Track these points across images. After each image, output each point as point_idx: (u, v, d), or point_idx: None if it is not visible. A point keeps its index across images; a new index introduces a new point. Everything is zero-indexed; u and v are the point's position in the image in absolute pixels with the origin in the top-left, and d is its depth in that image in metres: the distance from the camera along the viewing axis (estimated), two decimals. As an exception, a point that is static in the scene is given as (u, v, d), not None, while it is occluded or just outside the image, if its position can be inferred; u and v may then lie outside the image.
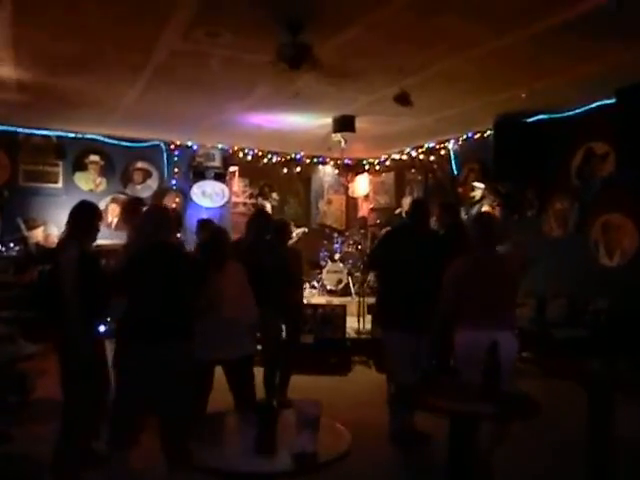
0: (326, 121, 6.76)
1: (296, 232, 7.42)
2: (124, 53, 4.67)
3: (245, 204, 9.07)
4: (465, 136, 7.68)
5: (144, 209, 3.33)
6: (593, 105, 5.89)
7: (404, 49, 4.49)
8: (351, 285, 8.14)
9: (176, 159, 8.54)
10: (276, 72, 4.24)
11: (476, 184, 7.31)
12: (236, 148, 8.94)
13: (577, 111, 6.09)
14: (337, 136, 6.98)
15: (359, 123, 6.71)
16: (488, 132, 7.21)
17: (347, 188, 10.02)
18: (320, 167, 9.80)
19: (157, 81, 5.40)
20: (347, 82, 5.31)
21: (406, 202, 7.62)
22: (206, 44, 4.38)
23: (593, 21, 3.93)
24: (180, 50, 4.54)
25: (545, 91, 5.63)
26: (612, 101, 5.48)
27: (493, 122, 6.64)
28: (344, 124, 6.56)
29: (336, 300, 7.46)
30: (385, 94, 5.57)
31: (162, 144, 8.44)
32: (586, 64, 4.92)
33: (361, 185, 9.94)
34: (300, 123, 6.99)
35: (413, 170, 8.71)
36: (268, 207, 7.59)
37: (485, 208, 7.13)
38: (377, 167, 9.62)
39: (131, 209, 5.29)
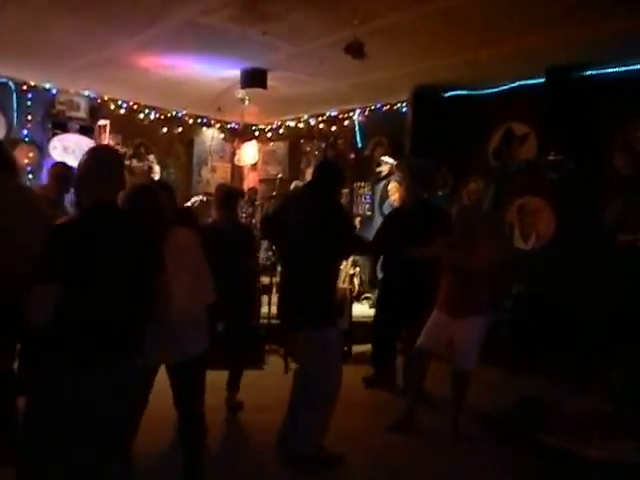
0: (232, 73, 5.80)
1: (192, 200, 6.39)
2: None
3: (117, 165, 7.69)
4: (373, 107, 7.23)
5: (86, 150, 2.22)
6: (515, 84, 5.76)
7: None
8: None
9: (29, 104, 6.87)
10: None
11: (385, 159, 6.92)
12: (106, 98, 7.49)
13: (497, 89, 5.93)
14: (241, 93, 6.08)
15: (268, 81, 5.87)
16: (398, 104, 6.86)
17: (233, 155, 9.07)
18: (204, 129, 8.71)
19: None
20: (273, 25, 4.46)
21: (309, 173, 6.99)
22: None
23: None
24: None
25: (473, 64, 5.34)
26: (538, 81, 5.38)
27: (411, 93, 6.27)
28: (254, 79, 5.67)
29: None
30: (314, 46, 4.85)
31: (10, 82, 6.71)
32: (522, 38, 4.70)
33: (249, 153, 9.06)
34: (199, 73, 5.92)
35: (315, 141, 8.05)
36: (156, 171, 6.43)
37: (392, 185, 6.78)
38: (269, 134, 8.81)
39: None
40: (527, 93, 5.59)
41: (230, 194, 4.40)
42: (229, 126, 8.85)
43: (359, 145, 7.46)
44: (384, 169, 7.07)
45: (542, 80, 5.30)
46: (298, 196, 3.82)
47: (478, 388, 3.90)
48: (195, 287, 2.55)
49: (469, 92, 6.12)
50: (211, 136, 8.76)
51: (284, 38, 4.70)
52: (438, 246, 3.81)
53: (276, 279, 5.93)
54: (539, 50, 4.89)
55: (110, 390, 1.84)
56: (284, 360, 4.84)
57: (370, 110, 7.29)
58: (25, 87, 6.81)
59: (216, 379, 3.50)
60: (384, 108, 7.09)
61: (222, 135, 8.90)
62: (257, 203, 7.84)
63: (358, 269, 6.77)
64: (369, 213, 7.31)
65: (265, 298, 5.70)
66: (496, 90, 5.93)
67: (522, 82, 5.67)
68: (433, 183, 6.37)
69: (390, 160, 6.88)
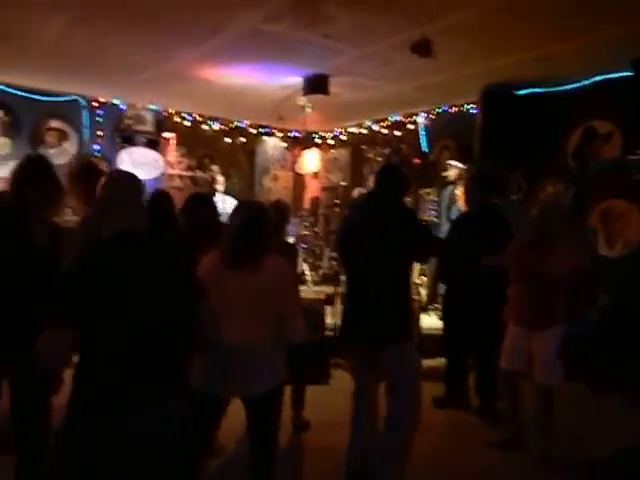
0: (293, 80, 5.72)
1: None
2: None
3: (182, 177, 7.80)
4: (438, 109, 6.96)
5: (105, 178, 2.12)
6: (596, 79, 5.33)
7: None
8: (307, 272, 7.21)
9: (99, 120, 7.09)
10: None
11: (453, 163, 6.60)
12: (172, 111, 7.63)
13: (576, 85, 5.52)
14: (303, 100, 5.98)
15: (330, 87, 5.74)
16: (466, 105, 6.55)
17: (295, 164, 9.02)
18: (266, 139, 8.71)
19: (92, 9, 4.10)
20: (335, 28, 4.31)
21: (372, 180, 6.79)
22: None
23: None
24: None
25: (547, 59, 4.99)
26: (623, 74, 4.95)
27: (480, 93, 5.95)
28: (316, 85, 5.56)
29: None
30: (379, 47, 4.67)
31: (82, 100, 6.95)
32: (604, 29, 4.32)
33: (310, 161, 8.97)
34: (261, 82, 5.87)
35: (378, 146, 7.84)
36: (219, 181, 6.43)
37: (460, 190, 6.47)
38: (330, 142, 8.68)
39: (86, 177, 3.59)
40: (610, 88, 5.16)
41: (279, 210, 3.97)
42: (290, 135, 8.81)
43: (424, 149, 7.19)
44: (451, 174, 6.75)
45: (627, 74, 4.86)
46: (361, 204, 3.61)
47: (561, 407, 3.58)
48: (265, 322, 2.35)
49: (544, 89, 5.73)
50: (273, 145, 8.74)
51: (347, 40, 4.55)
52: (509, 254, 3.55)
53: (340, 289, 5.79)
54: (623, 41, 4.49)
55: (149, 434, 1.67)
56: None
57: (435, 113, 7.01)
58: (95, 103, 7.02)
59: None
60: (451, 110, 6.80)
61: (283, 144, 8.87)
62: (319, 212, 7.73)
63: (425, 278, 6.50)
64: (436, 220, 7.01)
65: (328, 309, 5.52)
66: (574, 86, 5.52)
67: (604, 77, 5.24)
68: (504, 187, 6.06)
69: (458, 164, 6.56)
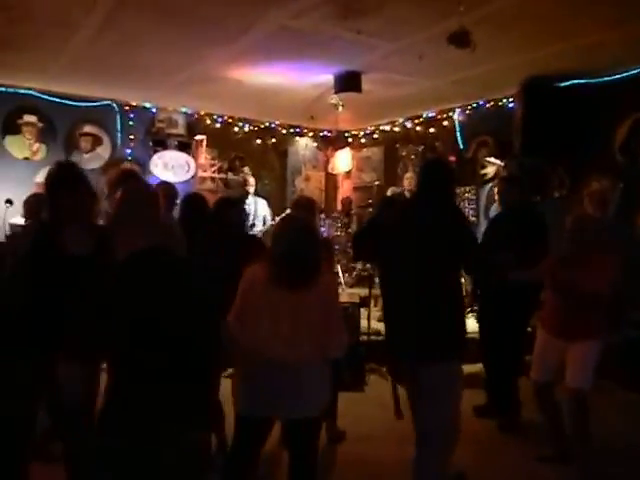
0: (324, 79, 5.59)
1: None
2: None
3: (213, 179, 7.77)
4: (474, 104, 6.72)
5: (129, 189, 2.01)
6: (645, 68, 5.04)
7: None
8: (340, 274, 7.07)
9: (131, 124, 7.11)
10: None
11: (491, 159, 6.36)
12: (202, 113, 7.61)
13: (623, 75, 5.22)
14: (335, 98, 5.85)
15: (362, 84, 5.58)
16: (504, 100, 6.31)
17: (327, 164, 8.89)
18: (297, 139, 8.61)
19: (121, 12, 4.06)
20: (368, 22, 4.15)
21: (407, 179, 6.60)
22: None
23: None
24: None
25: (592, 48, 4.72)
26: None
27: (519, 86, 5.70)
28: (348, 83, 5.41)
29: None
30: (414, 40, 4.50)
31: (114, 104, 6.98)
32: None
33: (342, 160, 8.83)
34: (291, 81, 5.77)
35: (412, 144, 7.64)
36: (251, 183, 6.35)
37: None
38: (362, 140, 8.52)
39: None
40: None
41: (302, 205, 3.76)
42: (322, 134, 8.69)
43: (460, 146, 6.96)
44: (489, 171, 6.54)
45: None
46: (403, 205, 3.33)
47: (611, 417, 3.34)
48: (312, 339, 2.22)
49: (588, 81, 5.45)
50: (304, 145, 8.64)
51: (380, 35, 4.39)
52: (543, 269, 3.26)
53: (375, 291, 5.62)
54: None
55: (177, 463, 1.56)
56: (394, 395, 4.12)
57: (472, 108, 6.78)
58: (127, 108, 7.05)
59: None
60: (487, 105, 6.56)
61: (315, 143, 8.75)
62: (352, 212, 7.58)
63: (463, 280, 6.27)
64: (474, 219, 6.77)
65: (362, 311, 5.35)
66: (621, 76, 5.23)
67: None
68: (544, 184, 5.78)
69: (496, 161, 6.32)
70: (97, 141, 6.89)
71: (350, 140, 8.71)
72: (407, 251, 2.63)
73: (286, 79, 5.68)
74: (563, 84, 5.59)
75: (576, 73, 5.42)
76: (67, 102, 6.59)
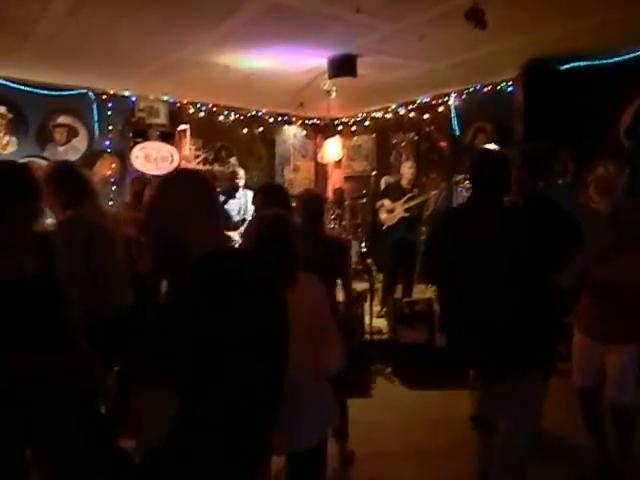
0: (317, 63, 5.26)
1: None
2: None
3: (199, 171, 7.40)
4: (471, 88, 6.46)
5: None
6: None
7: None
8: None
9: (110, 113, 6.71)
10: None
11: (489, 146, 6.10)
12: (185, 102, 7.23)
13: (629, 56, 4.99)
14: (328, 84, 5.53)
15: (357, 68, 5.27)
16: (503, 83, 6.05)
17: (316, 153, 8.57)
18: (285, 127, 8.27)
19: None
20: (369, 1, 3.84)
21: (407, 168, 6.27)
22: None
23: None
24: None
25: (598, 28, 4.47)
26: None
27: (520, 69, 5.45)
28: (343, 67, 5.09)
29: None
30: (415, 21, 4.19)
31: (91, 93, 6.56)
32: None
33: (332, 149, 8.50)
34: (282, 66, 5.42)
35: (405, 131, 7.36)
36: (241, 176, 6.02)
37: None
38: (353, 128, 8.22)
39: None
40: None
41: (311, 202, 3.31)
42: (311, 122, 8.37)
43: (457, 133, 6.71)
44: (488, 158, 6.28)
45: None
46: (468, 209, 2.84)
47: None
48: (304, 353, 1.87)
49: (591, 62, 5.21)
50: (293, 134, 8.31)
51: (380, 15, 4.07)
52: (577, 267, 2.91)
53: (374, 284, 5.36)
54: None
55: None
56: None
57: (468, 93, 6.52)
58: (105, 96, 6.64)
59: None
60: (485, 89, 6.30)
61: (304, 132, 8.43)
62: (345, 203, 7.30)
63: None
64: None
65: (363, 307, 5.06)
66: (627, 57, 5.00)
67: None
68: (549, 170, 5.55)
69: (496, 148, 6.07)
70: (73, 132, 6.48)
71: (340, 128, 8.40)
72: (488, 260, 2.37)
73: (276, 64, 5.34)
74: (565, 67, 5.35)
75: (579, 55, 5.18)
76: (39, 91, 6.14)
